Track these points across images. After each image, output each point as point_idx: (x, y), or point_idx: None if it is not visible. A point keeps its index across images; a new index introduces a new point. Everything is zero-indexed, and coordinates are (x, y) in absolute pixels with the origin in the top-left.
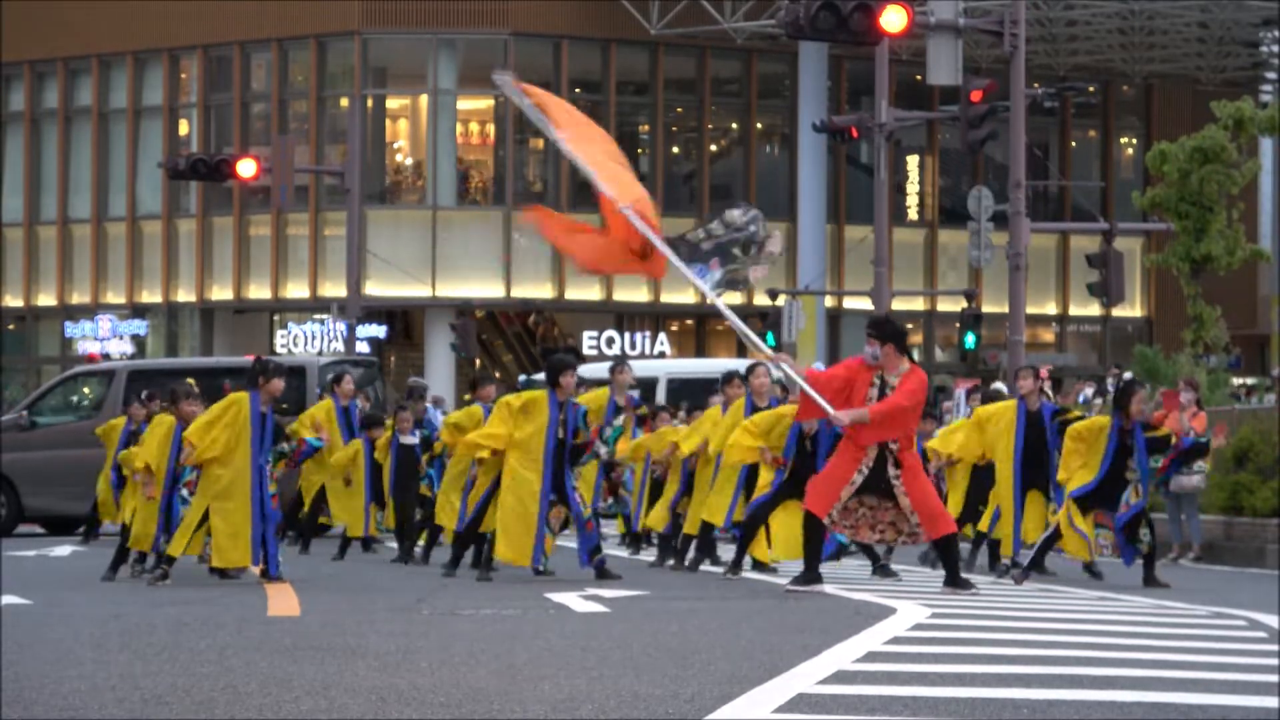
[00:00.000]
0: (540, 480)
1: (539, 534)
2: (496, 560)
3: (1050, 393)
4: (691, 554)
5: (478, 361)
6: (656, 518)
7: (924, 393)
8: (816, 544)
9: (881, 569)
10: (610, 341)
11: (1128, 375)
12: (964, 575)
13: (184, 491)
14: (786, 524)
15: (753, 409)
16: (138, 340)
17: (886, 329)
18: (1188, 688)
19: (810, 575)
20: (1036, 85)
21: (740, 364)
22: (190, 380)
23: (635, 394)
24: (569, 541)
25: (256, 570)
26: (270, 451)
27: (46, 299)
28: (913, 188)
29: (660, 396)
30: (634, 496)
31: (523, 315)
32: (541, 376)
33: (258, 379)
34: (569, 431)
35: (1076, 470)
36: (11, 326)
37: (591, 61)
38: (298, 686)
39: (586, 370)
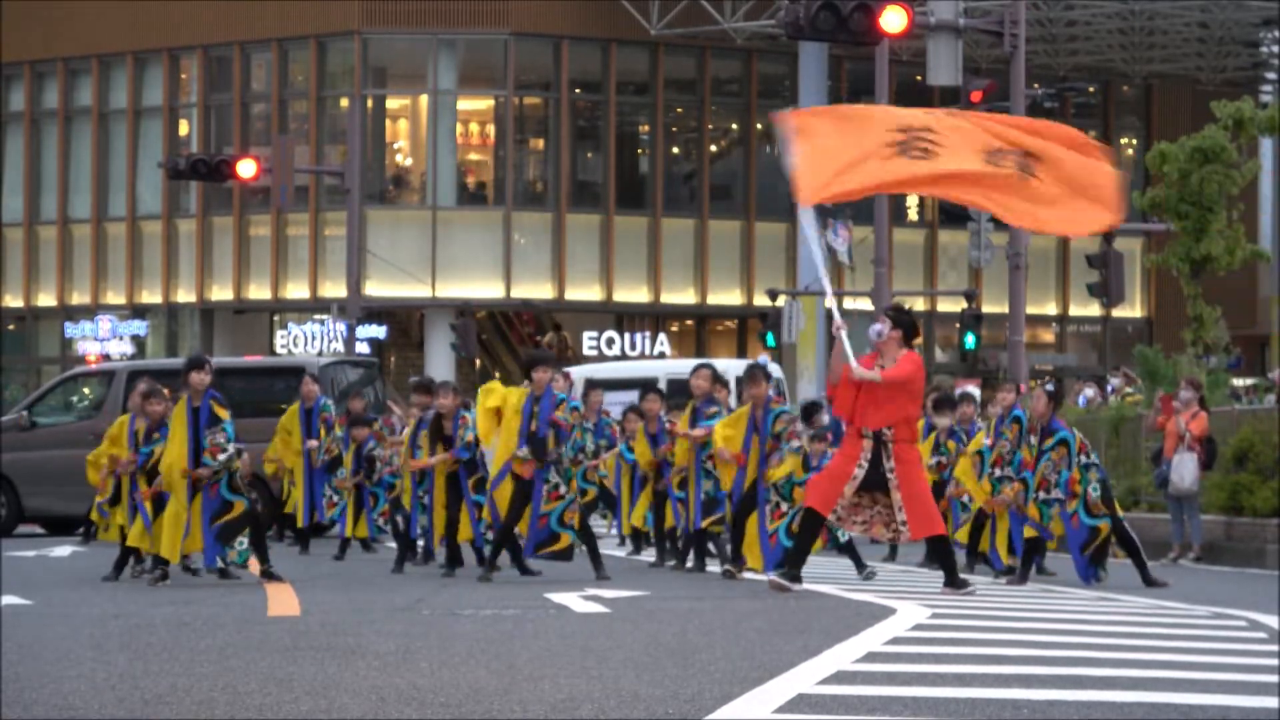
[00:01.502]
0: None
1: (533, 517)
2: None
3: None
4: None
5: (478, 362)
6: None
7: (921, 373)
8: (808, 542)
9: (860, 564)
10: (610, 342)
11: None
12: (962, 576)
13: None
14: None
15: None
16: (138, 340)
17: (903, 317)
18: (1188, 688)
19: (793, 574)
20: (1036, 85)
21: (741, 364)
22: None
23: (630, 397)
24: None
25: (256, 570)
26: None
27: (46, 299)
28: None
29: None
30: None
31: (535, 337)
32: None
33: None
34: (540, 423)
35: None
36: (11, 326)
37: (591, 61)
38: (298, 686)
39: (589, 370)
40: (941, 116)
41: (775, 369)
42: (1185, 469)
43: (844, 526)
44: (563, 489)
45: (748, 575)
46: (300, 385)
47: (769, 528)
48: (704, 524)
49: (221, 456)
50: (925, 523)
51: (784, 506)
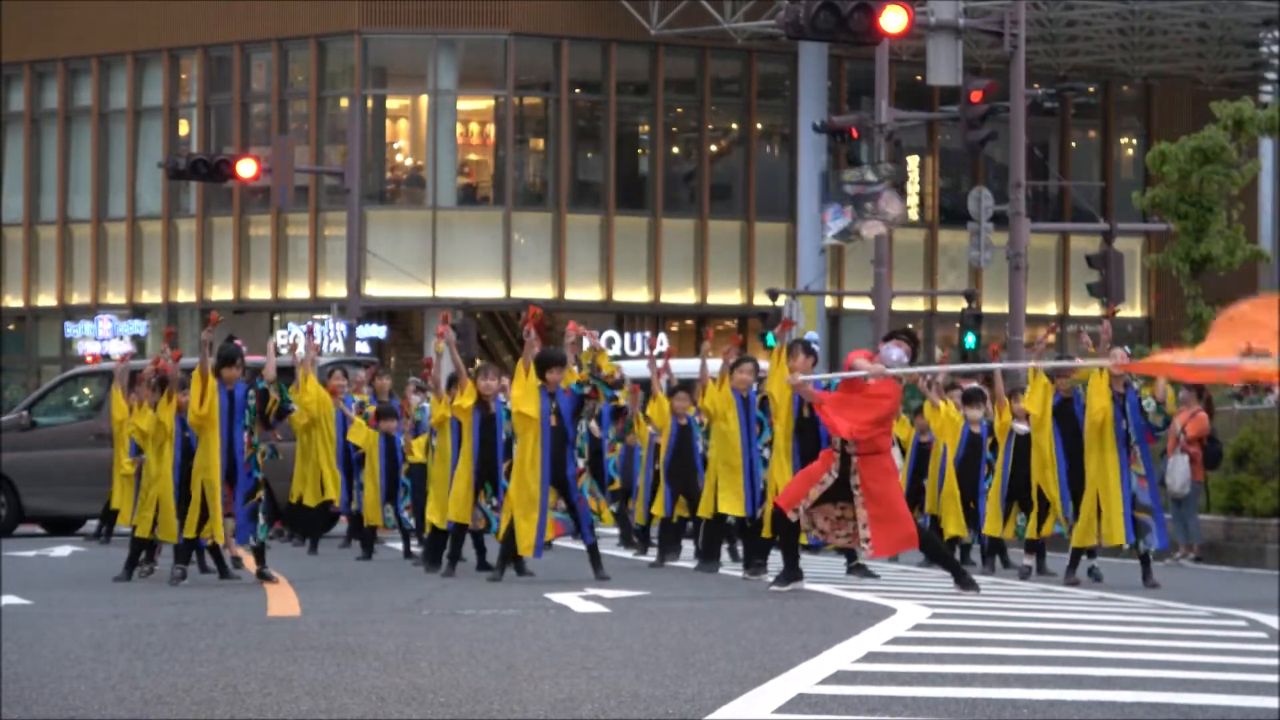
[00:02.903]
0: (539, 472)
1: (540, 525)
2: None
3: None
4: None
5: (477, 361)
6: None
7: (897, 401)
8: (792, 541)
9: (858, 568)
10: (610, 341)
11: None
12: (970, 576)
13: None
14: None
15: (742, 401)
16: (138, 340)
17: (913, 342)
18: (1188, 688)
19: (792, 573)
20: (1036, 85)
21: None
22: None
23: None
24: (571, 544)
25: (252, 569)
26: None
27: (46, 299)
28: (913, 188)
29: None
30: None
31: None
32: None
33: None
34: (563, 419)
35: None
36: (11, 326)
37: (591, 61)
38: (298, 686)
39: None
40: None
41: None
42: (1177, 470)
43: (830, 541)
44: (581, 463)
45: (768, 579)
46: (328, 379)
47: None
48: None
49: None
50: (890, 542)
51: None
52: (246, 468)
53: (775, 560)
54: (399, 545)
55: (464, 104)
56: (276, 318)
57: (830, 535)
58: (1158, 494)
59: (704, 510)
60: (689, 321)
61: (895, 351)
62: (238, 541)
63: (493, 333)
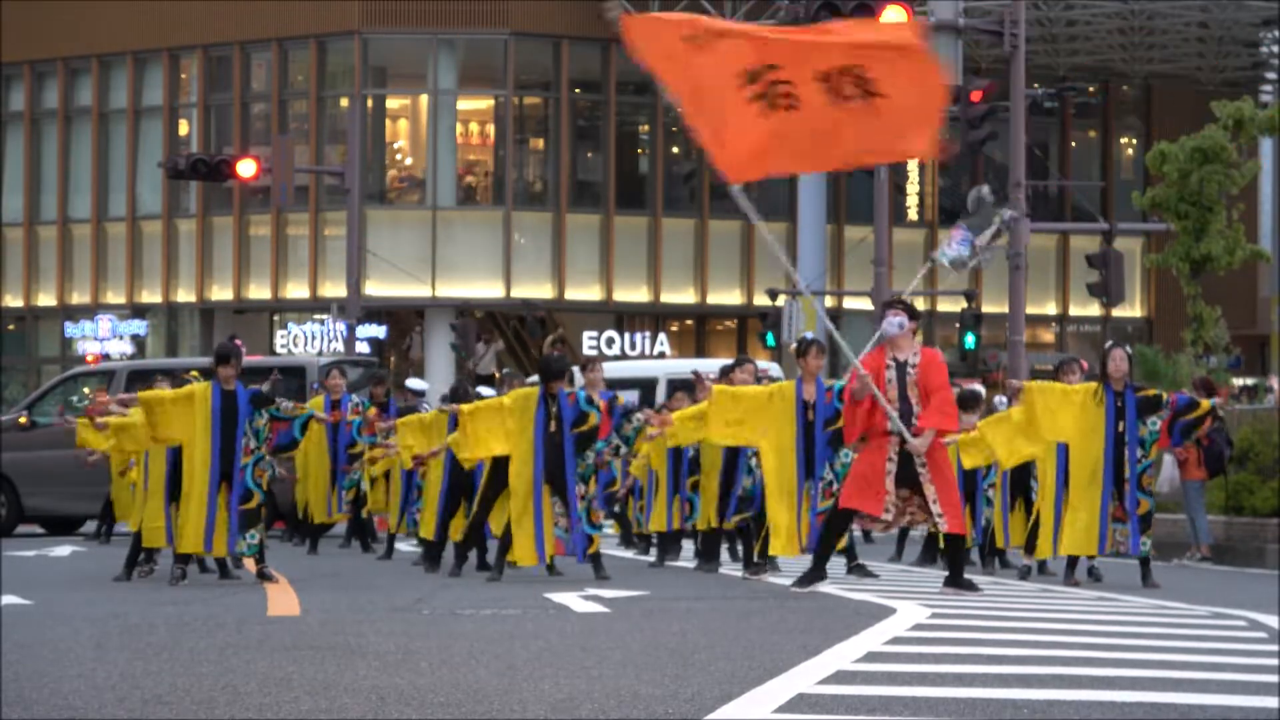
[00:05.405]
0: (533, 476)
1: (538, 530)
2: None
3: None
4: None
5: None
6: (658, 519)
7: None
8: (835, 542)
9: (858, 568)
10: (610, 341)
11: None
12: (967, 577)
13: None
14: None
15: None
16: (138, 340)
17: (913, 308)
18: (1188, 688)
19: (818, 573)
20: (1036, 85)
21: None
22: (194, 373)
23: (631, 397)
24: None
25: (252, 568)
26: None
27: (46, 299)
28: (913, 188)
29: (660, 396)
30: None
31: (539, 341)
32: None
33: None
34: (563, 423)
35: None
36: (11, 327)
37: (591, 61)
38: (298, 686)
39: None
40: (768, 38)
41: (776, 369)
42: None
43: (897, 523)
44: (583, 488)
45: (768, 579)
46: (326, 379)
47: (820, 506)
48: (732, 521)
49: (286, 404)
50: (957, 519)
51: (836, 486)
52: (242, 474)
53: (778, 563)
54: (403, 546)
55: (464, 104)
56: (276, 317)
57: (898, 519)
58: (1135, 498)
59: (702, 523)
60: (689, 321)
61: (894, 320)
62: (230, 550)
63: (497, 334)
